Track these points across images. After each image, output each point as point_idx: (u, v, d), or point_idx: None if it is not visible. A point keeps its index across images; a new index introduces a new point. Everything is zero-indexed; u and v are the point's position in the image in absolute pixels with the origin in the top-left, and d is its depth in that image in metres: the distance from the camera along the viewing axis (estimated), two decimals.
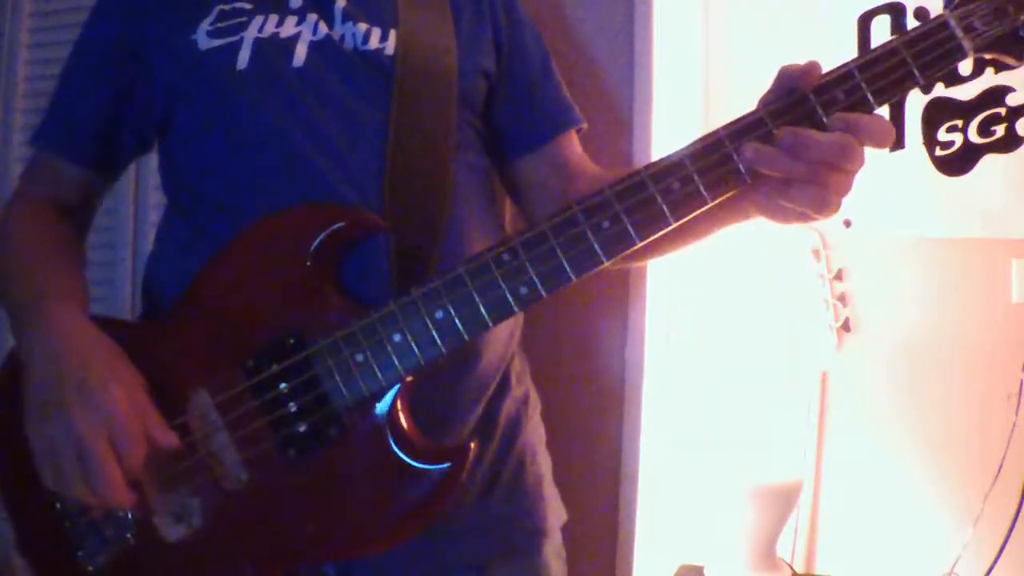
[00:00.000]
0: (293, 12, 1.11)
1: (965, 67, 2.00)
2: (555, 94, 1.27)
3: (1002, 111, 2.00)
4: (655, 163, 0.90)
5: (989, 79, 2.00)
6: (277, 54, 1.08)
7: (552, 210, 1.20)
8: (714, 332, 1.84)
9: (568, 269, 0.90)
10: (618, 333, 1.88)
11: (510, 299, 0.91)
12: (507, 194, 1.29)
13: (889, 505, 2.02)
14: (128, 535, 0.97)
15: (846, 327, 2.03)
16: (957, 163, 1.92)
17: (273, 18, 1.10)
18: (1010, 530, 1.87)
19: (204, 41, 1.08)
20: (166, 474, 0.95)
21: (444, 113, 1.10)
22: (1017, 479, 1.88)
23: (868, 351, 2.04)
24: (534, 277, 0.91)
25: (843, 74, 0.88)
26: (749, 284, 1.81)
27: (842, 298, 2.00)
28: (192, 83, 1.09)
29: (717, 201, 0.89)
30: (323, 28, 1.10)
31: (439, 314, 0.92)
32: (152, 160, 2.38)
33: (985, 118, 2.01)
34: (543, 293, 0.91)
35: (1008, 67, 2.10)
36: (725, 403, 1.91)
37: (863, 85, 0.87)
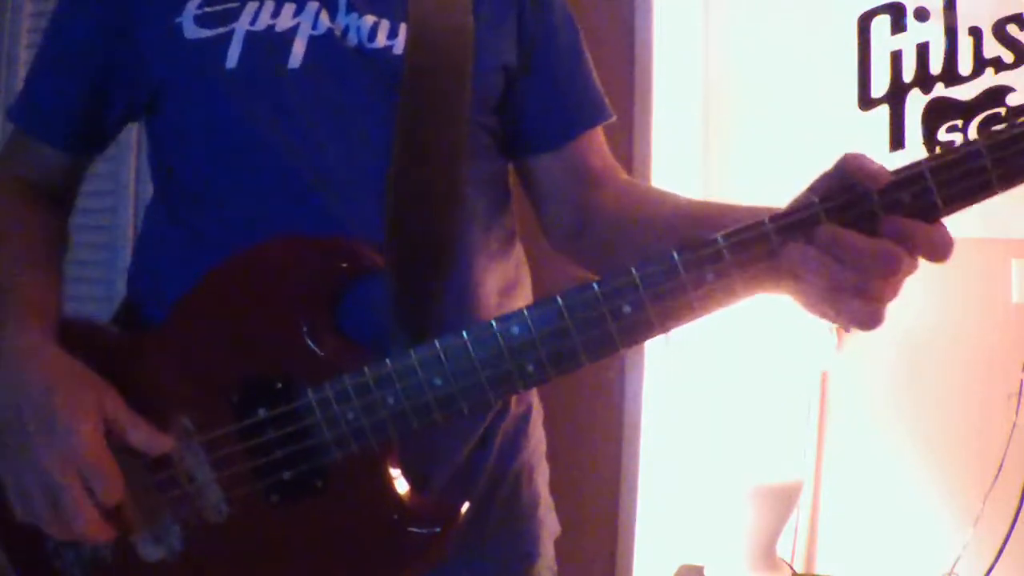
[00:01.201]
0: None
1: (965, 67, 2.01)
2: (581, 86, 1.12)
3: (1002, 111, 2.00)
4: (689, 243, 0.79)
5: (989, 79, 2.00)
6: (271, 52, 0.96)
7: (548, 241, 1.12)
8: (714, 332, 1.84)
9: (580, 353, 0.82)
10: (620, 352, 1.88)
11: (514, 376, 0.84)
12: (524, 192, 1.16)
13: (889, 505, 2.02)
14: (105, 553, 0.93)
15: (846, 327, 2.03)
16: None
17: (269, 5, 0.97)
18: (1010, 530, 1.87)
19: (191, 29, 0.96)
20: (146, 502, 0.91)
21: (457, 123, 0.98)
22: (1017, 479, 1.88)
23: (868, 351, 2.04)
24: (543, 356, 0.83)
25: (913, 175, 0.76)
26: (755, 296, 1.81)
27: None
28: (176, 76, 0.98)
29: (751, 296, 0.80)
30: (324, 20, 0.97)
31: (438, 381, 0.85)
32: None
33: (985, 118, 2.02)
34: (551, 374, 0.83)
35: (1008, 67, 2.11)
36: (725, 403, 1.91)
37: (935, 190, 0.76)
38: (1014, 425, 1.90)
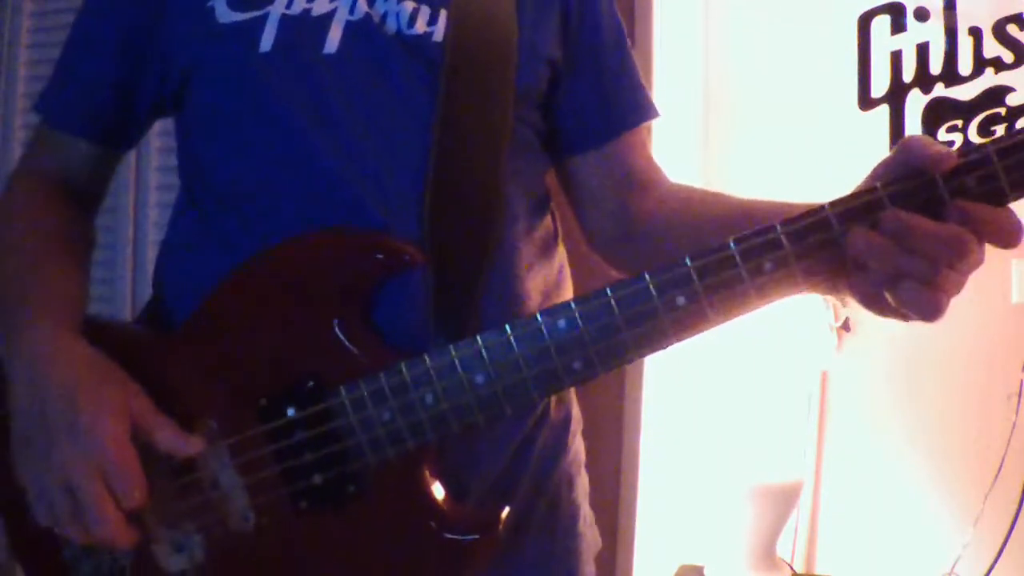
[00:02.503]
0: None
1: (965, 67, 2.01)
2: (626, 84, 1.07)
3: (1002, 111, 2.00)
4: (746, 235, 0.76)
5: (989, 79, 2.00)
6: (306, 36, 0.92)
7: (588, 243, 1.06)
8: (714, 332, 1.84)
9: (631, 348, 0.79)
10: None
11: (560, 373, 0.79)
12: (564, 195, 1.10)
13: (889, 505, 2.02)
14: (124, 562, 0.89)
15: (846, 327, 2.03)
16: None
17: None
18: (1010, 530, 1.87)
19: (224, 12, 0.93)
20: (168, 508, 0.86)
21: (500, 115, 0.94)
22: (1017, 479, 1.88)
23: (868, 351, 2.04)
24: (591, 352, 0.79)
25: (979, 159, 0.72)
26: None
27: (842, 298, 2.00)
28: (208, 61, 0.95)
29: (809, 289, 0.77)
30: (362, 5, 0.93)
31: (479, 378, 0.80)
32: (152, 158, 2.40)
33: (985, 118, 2.02)
34: (599, 371, 0.79)
35: (1008, 67, 2.11)
36: (725, 403, 1.91)
37: (1001, 174, 0.72)
38: (1014, 425, 1.90)
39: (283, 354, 0.87)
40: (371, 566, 0.87)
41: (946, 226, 0.72)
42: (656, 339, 0.79)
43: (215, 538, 0.87)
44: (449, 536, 0.85)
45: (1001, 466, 1.89)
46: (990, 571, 1.88)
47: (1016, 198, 0.74)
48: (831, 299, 1.92)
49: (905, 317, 0.77)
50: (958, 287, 0.75)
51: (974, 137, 1.98)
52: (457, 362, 0.81)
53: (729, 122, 2.15)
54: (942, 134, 2.00)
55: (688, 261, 0.77)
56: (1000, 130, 1.95)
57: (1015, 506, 1.87)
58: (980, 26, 2.00)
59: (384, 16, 0.94)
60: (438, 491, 0.87)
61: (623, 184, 1.05)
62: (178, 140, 1.04)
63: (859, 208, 0.74)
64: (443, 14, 0.95)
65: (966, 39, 2.01)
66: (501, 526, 0.87)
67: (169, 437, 0.84)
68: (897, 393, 2.02)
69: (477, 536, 0.86)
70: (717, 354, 1.86)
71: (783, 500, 1.87)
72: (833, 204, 0.74)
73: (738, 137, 2.13)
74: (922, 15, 2.03)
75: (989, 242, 0.73)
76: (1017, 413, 1.90)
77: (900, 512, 2.01)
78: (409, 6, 0.95)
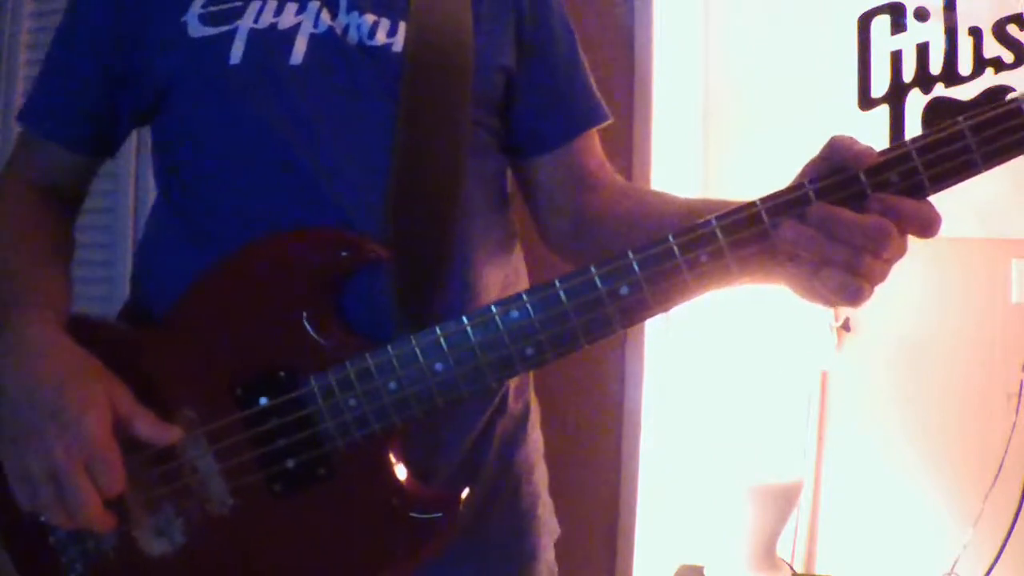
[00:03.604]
0: None
1: (965, 67, 2.01)
2: (579, 89, 1.13)
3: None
4: (683, 229, 0.83)
5: (989, 79, 2.00)
6: (273, 49, 0.98)
7: (544, 242, 1.13)
8: (714, 332, 1.84)
9: (579, 335, 0.85)
10: (618, 333, 1.88)
11: (514, 359, 0.86)
12: (521, 194, 1.17)
13: (889, 505, 2.02)
14: (108, 547, 0.94)
15: (846, 327, 2.03)
16: None
17: (272, 4, 0.99)
18: (1010, 530, 1.87)
19: (195, 27, 0.98)
20: (149, 494, 0.92)
21: (457, 119, 1.00)
22: (1017, 479, 1.88)
23: (868, 351, 2.04)
24: (543, 339, 0.85)
25: (900, 156, 0.80)
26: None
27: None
28: (181, 74, 1.00)
29: (745, 277, 0.84)
30: (326, 18, 0.99)
31: (439, 366, 0.87)
32: (152, 159, 2.39)
33: None
34: (549, 357, 0.86)
35: (1008, 67, 2.11)
36: (725, 403, 1.91)
37: (920, 169, 0.79)
38: (1014, 425, 1.91)
39: (256, 346, 0.92)
40: (341, 545, 0.93)
41: (868, 216, 0.78)
42: (602, 326, 0.85)
43: (195, 522, 0.93)
44: (412, 515, 0.92)
45: (1001, 466, 1.89)
46: (990, 571, 1.88)
47: (935, 191, 0.80)
48: None
49: (831, 303, 0.83)
50: (882, 275, 0.81)
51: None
52: (418, 351, 0.87)
53: (729, 122, 2.15)
54: None
55: (630, 254, 0.83)
56: None
57: (1015, 506, 1.87)
58: (980, 26, 2.00)
59: (347, 28, 1.00)
60: (401, 472, 0.93)
61: (576, 184, 1.11)
62: (154, 147, 1.09)
63: (787, 203, 0.81)
64: (402, 26, 1.01)
65: (966, 39, 2.01)
66: (461, 506, 0.92)
67: (148, 427, 0.89)
68: (897, 393, 2.02)
69: (439, 515, 0.92)
70: (717, 354, 1.86)
71: (783, 500, 1.87)
72: (763, 200, 0.81)
73: (738, 137, 2.13)
74: (922, 15, 2.03)
75: (909, 233, 0.80)
76: (1017, 413, 1.91)
77: (900, 512, 2.01)
78: (370, 19, 1.01)
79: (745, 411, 1.90)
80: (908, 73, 2.04)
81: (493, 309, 0.86)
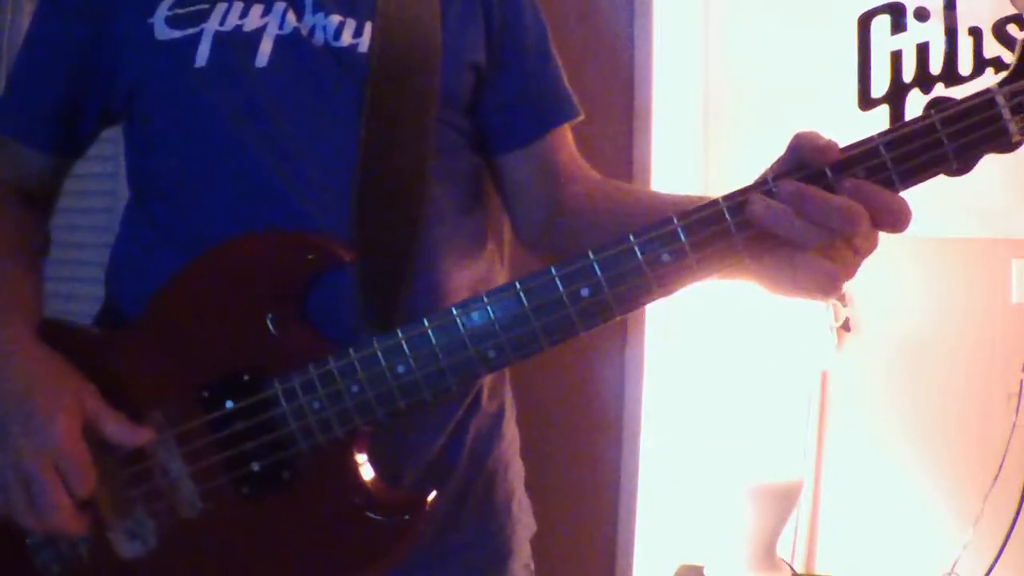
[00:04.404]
0: (260, 0, 1.00)
1: (965, 67, 2.01)
2: (551, 85, 1.13)
3: None
4: (644, 228, 0.81)
5: (989, 79, 2.00)
6: (239, 51, 0.97)
7: (520, 239, 1.13)
8: (714, 332, 1.84)
9: (541, 338, 0.83)
10: (618, 333, 1.88)
11: (476, 362, 0.85)
12: (496, 191, 1.16)
13: (889, 505, 2.02)
14: (81, 550, 0.95)
15: (846, 327, 2.03)
16: None
17: (237, 6, 0.99)
18: (1010, 530, 1.87)
19: (162, 30, 0.98)
20: (121, 497, 0.92)
21: (423, 119, 0.99)
22: (1017, 479, 1.88)
23: (868, 351, 2.04)
24: (504, 341, 0.84)
25: (868, 150, 0.77)
26: (749, 284, 1.81)
27: (842, 298, 2.01)
28: (147, 78, 1.00)
29: (709, 276, 0.82)
30: (291, 19, 0.99)
31: (400, 368, 0.86)
32: None
33: None
34: (511, 359, 0.85)
35: (1009, 67, 2.10)
36: (725, 403, 1.91)
37: (889, 164, 0.76)
38: (1014, 425, 1.91)
39: (222, 348, 0.93)
40: (309, 549, 0.93)
41: (838, 197, 0.76)
42: (564, 328, 0.83)
43: (166, 525, 0.93)
44: (378, 518, 0.91)
45: (1001, 466, 1.89)
46: (990, 571, 1.88)
47: (906, 187, 0.77)
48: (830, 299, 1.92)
49: (802, 295, 0.81)
50: (855, 266, 0.79)
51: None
52: (380, 354, 0.87)
53: (729, 122, 2.15)
54: None
55: (591, 254, 0.82)
56: None
57: (1015, 506, 1.87)
58: (980, 26, 2.00)
59: (312, 29, 0.99)
60: (368, 474, 0.92)
61: (548, 180, 1.11)
62: (125, 149, 1.10)
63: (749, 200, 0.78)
64: (368, 26, 1.00)
65: (966, 39, 2.01)
66: (428, 508, 0.92)
67: (118, 430, 0.90)
68: (897, 393, 2.02)
69: (405, 517, 0.92)
70: (717, 354, 1.86)
71: (783, 500, 1.87)
72: (726, 197, 0.80)
73: (738, 137, 2.13)
74: (922, 15, 2.03)
75: (879, 219, 0.76)
76: (1017, 413, 1.91)
77: (900, 512, 2.01)
78: (336, 19, 1.00)
79: (745, 411, 1.89)
80: (908, 73, 2.04)
81: (454, 311, 0.86)
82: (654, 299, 0.83)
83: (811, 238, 0.76)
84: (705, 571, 1.91)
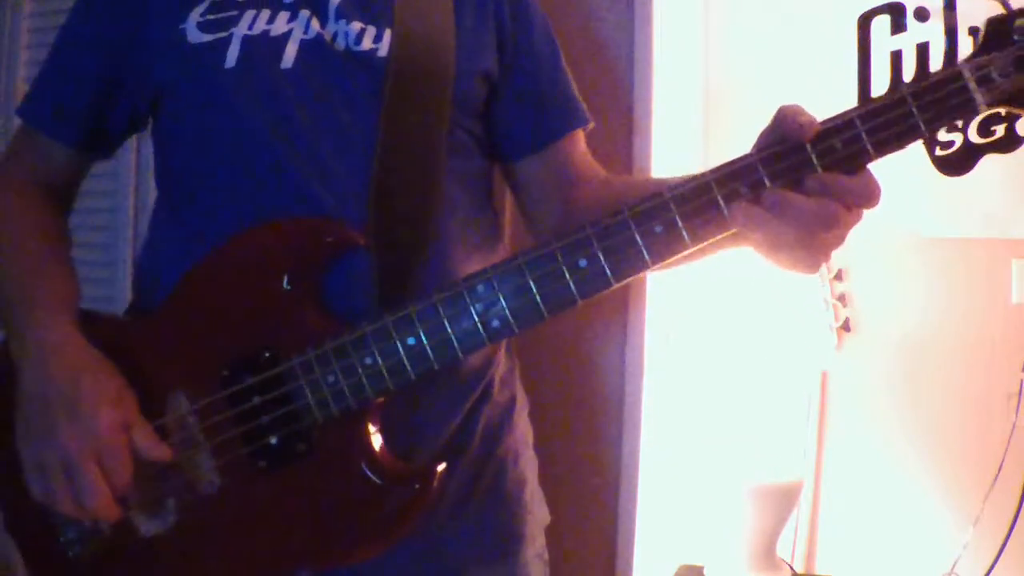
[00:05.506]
0: (286, 7, 1.05)
1: None
2: (561, 93, 1.20)
3: (1002, 111, 1.99)
4: (639, 202, 0.87)
5: None
6: (266, 54, 1.04)
7: (534, 239, 1.17)
8: (714, 332, 1.84)
9: (542, 306, 0.89)
10: (618, 333, 1.88)
11: (481, 331, 0.90)
12: (511, 193, 1.23)
13: (889, 505, 2.02)
14: (103, 527, 0.98)
15: (846, 327, 2.03)
16: (957, 163, 1.91)
17: (265, 13, 1.05)
18: (1010, 530, 1.87)
19: (193, 34, 1.04)
20: (144, 474, 0.95)
21: (437, 120, 1.06)
22: (1017, 479, 1.88)
23: (868, 351, 2.04)
24: (506, 311, 0.89)
25: (844, 123, 0.85)
26: (749, 284, 1.81)
27: (842, 298, 2.01)
28: (179, 78, 1.06)
29: (699, 247, 0.87)
30: (315, 26, 1.05)
31: (411, 340, 0.92)
32: (152, 158, 2.39)
33: (985, 118, 2.01)
34: (515, 328, 0.90)
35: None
36: (725, 403, 1.91)
37: (864, 136, 0.84)
38: (1014, 425, 1.90)
39: (243, 329, 0.98)
40: (322, 519, 0.97)
41: (816, 201, 0.83)
42: (563, 298, 0.89)
43: (186, 501, 0.97)
44: (389, 487, 0.96)
45: (1001, 466, 1.89)
46: (990, 571, 1.88)
47: (879, 157, 0.84)
48: (831, 299, 1.93)
49: (796, 269, 0.87)
50: (837, 244, 0.85)
51: (974, 137, 1.98)
52: (391, 327, 0.92)
53: (729, 122, 2.15)
54: (942, 134, 2.00)
55: (587, 227, 0.87)
56: (1000, 130, 1.95)
57: (1015, 506, 1.87)
58: (980, 26, 1.99)
59: (335, 35, 1.06)
60: (379, 444, 0.97)
61: (561, 182, 1.18)
62: (155, 150, 1.15)
63: (736, 171, 0.87)
64: (388, 32, 1.07)
65: (966, 39, 2.00)
66: (437, 479, 0.97)
67: (146, 441, 0.93)
68: (897, 393, 2.02)
69: (416, 487, 0.97)
70: (717, 354, 1.86)
71: (783, 500, 1.87)
72: (714, 170, 0.88)
73: (738, 137, 2.12)
74: (922, 15, 2.02)
75: (851, 205, 0.84)
76: (1017, 413, 1.90)
77: (900, 512, 2.01)
78: (357, 26, 1.07)
79: (745, 411, 1.89)
80: (908, 73, 2.04)
81: (461, 283, 0.91)
82: (651, 268, 0.88)
83: (794, 236, 0.83)
84: (705, 571, 1.91)
